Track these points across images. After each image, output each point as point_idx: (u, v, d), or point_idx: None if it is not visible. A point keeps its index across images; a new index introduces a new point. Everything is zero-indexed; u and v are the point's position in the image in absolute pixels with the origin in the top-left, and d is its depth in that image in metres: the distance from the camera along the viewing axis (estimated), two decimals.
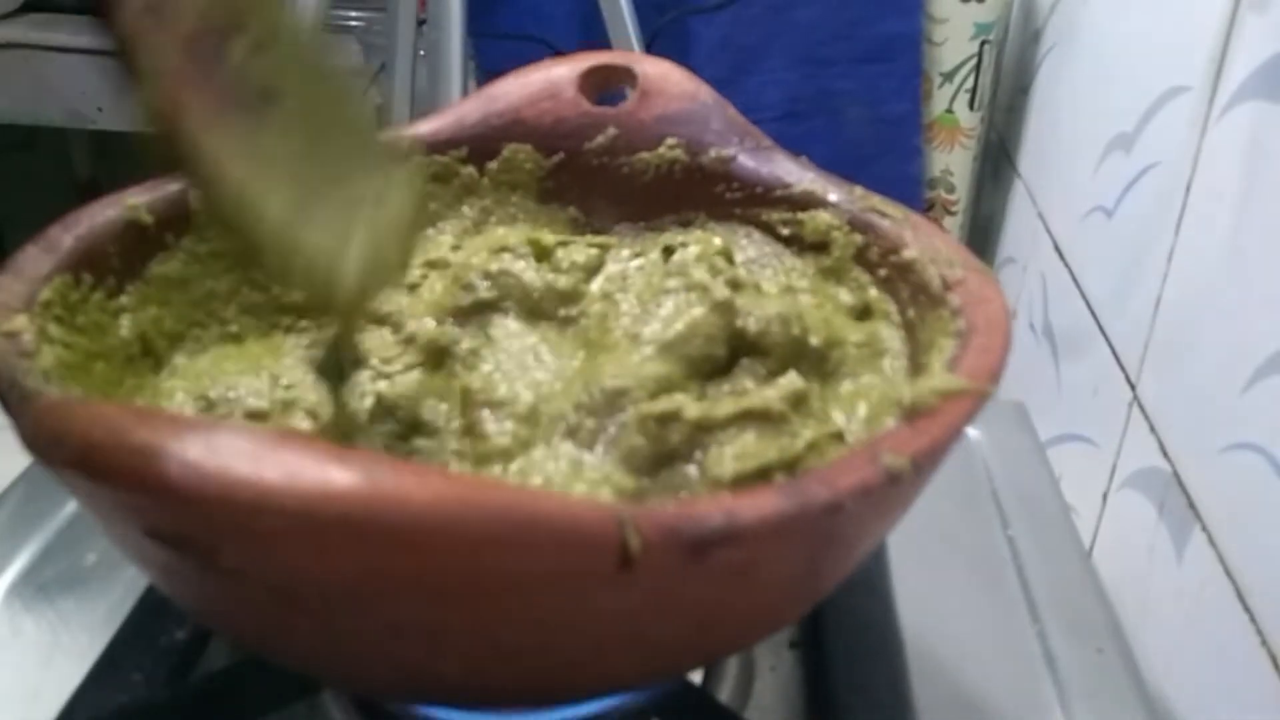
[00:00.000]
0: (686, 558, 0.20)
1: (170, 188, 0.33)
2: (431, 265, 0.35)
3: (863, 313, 0.33)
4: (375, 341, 0.32)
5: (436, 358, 0.31)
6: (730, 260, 0.35)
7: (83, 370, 0.28)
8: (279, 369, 0.31)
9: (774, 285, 0.35)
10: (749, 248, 0.37)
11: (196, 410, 0.29)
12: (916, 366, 0.30)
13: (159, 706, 0.34)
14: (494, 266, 0.33)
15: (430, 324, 0.32)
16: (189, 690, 0.35)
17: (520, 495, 0.19)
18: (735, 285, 0.31)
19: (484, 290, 0.33)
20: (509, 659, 0.22)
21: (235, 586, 0.20)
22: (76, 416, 0.18)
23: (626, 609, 0.21)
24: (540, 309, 0.32)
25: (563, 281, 0.33)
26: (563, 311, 0.32)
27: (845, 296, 0.34)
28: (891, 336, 0.32)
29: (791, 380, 0.28)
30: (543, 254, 0.34)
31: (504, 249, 0.34)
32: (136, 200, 0.32)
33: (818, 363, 0.30)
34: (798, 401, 0.27)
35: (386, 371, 0.31)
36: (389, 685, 0.26)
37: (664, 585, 0.21)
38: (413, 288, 0.34)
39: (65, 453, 0.18)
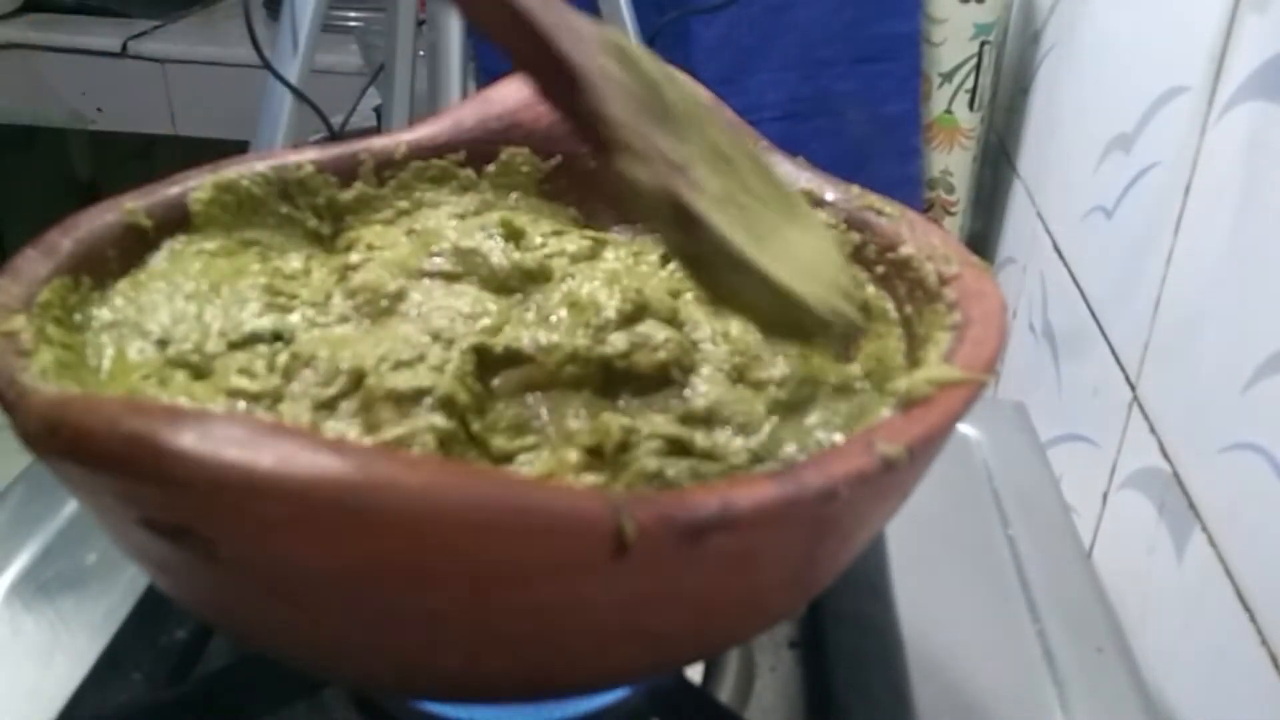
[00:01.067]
0: (682, 545, 0.20)
1: (168, 192, 0.33)
2: (410, 234, 0.36)
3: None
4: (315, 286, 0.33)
5: (376, 310, 0.32)
6: None
7: (82, 370, 0.28)
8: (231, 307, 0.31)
9: None
10: None
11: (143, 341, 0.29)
12: (913, 360, 0.30)
13: (159, 706, 0.34)
14: (465, 243, 0.34)
15: (377, 275, 0.33)
16: (189, 690, 0.35)
17: (514, 483, 0.19)
18: (633, 316, 0.32)
19: (446, 263, 0.34)
20: (505, 649, 0.22)
21: (231, 578, 0.20)
22: (71, 407, 0.18)
23: (622, 597, 0.21)
24: (505, 285, 0.33)
25: (529, 260, 0.34)
26: (531, 288, 0.33)
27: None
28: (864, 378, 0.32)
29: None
30: (515, 235, 0.35)
31: (481, 227, 0.35)
32: (135, 204, 0.32)
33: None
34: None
35: (319, 321, 0.31)
36: (388, 679, 0.26)
37: (660, 573, 0.21)
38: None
39: (60, 443, 0.18)
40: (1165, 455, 0.52)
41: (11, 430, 0.21)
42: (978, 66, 1.01)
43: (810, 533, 0.23)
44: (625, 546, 0.19)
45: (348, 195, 0.37)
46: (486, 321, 0.31)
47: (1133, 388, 0.58)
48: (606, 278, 0.33)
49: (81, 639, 0.38)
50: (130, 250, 0.32)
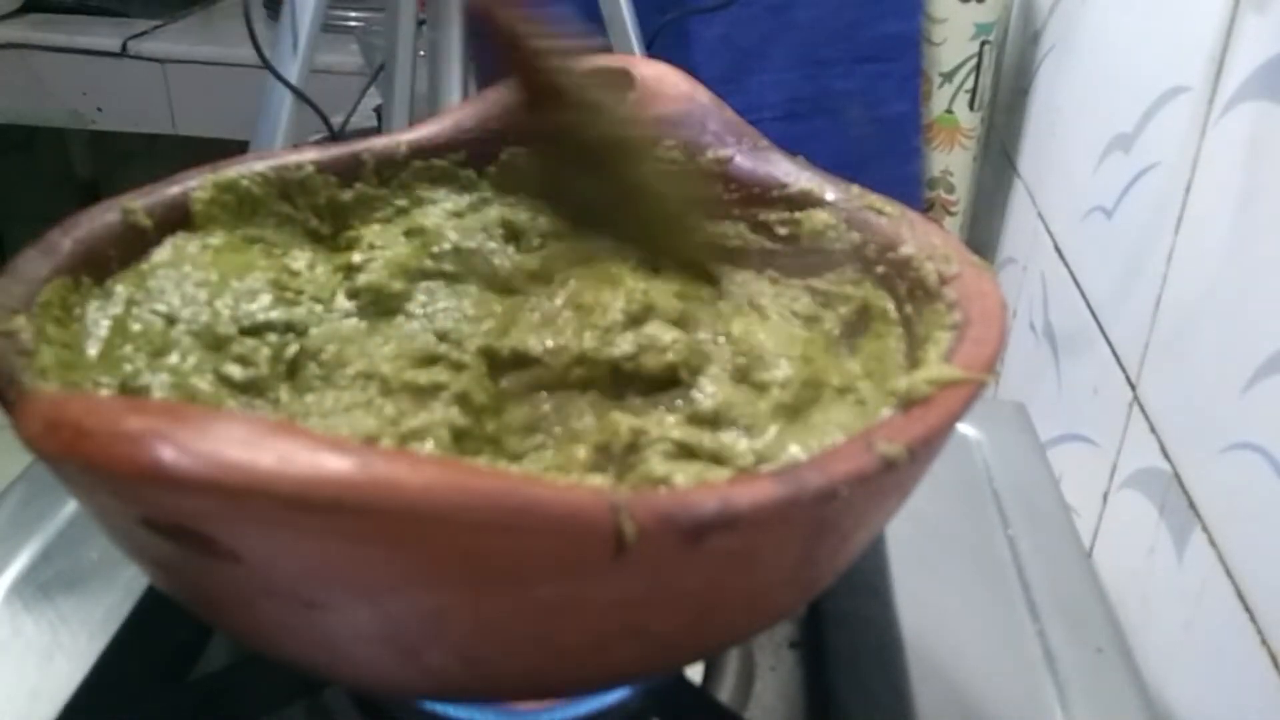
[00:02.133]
0: (682, 544, 0.20)
1: (168, 191, 0.33)
2: (409, 234, 0.36)
3: (856, 321, 0.34)
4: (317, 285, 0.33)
5: (381, 310, 0.32)
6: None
7: (78, 363, 0.28)
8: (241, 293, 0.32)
9: (775, 311, 0.35)
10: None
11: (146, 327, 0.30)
12: (913, 360, 0.30)
13: (159, 706, 0.34)
14: (466, 244, 0.34)
15: (380, 276, 0.33)
16: (189, 690, 0.35)
17: (514, 482, 0.19)
18: (640, 317, 0.32)
19: (448, 264, 0.34)
20: (506, 649, 0.22)
21: (231, 578, 0.20)
22: (70, 407, 0.18)
23: (622, 597, 0.21)
24: (508, 286, 0.34)
25: (531, 261, 0.34)
26: (532, 289, 0.33)
27: (834, 323, 0.34)
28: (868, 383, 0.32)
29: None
30: (514, 234, 0.35)
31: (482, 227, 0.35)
32: (135, 204, 0.32)
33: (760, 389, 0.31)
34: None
35: (326, 317, 0.32)
36: (388, 679, 0.26)
37: (660, 573, 0.21)
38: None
39: (60, 444, 0.18)
40: (1165, 455, 0.52)
41: (11, 430, 0.21)
42: (978, 66, 1.01)
43: (810, 532, 0.23)
44: (625, 546, 0.19)
45: (347, 195, 0.37)
46: (491, 324, 0.32)
47: (1133, 388, 0.58)
48: (610, 279, 0.33)
49: (81, 639, 0.38)
50: (131, 250, 0.32)
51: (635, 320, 0.31)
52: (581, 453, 0.27)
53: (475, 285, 0.34)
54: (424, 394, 0.28)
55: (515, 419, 0.29)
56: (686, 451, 0.27)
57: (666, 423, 0.28)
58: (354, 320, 0.32)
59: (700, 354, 0.31)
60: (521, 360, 0.30)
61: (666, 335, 0.30)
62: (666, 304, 0.32)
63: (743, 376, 0.31)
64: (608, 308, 0.31)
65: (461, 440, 0.27)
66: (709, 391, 0.29)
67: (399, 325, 0.32)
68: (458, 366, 0.29)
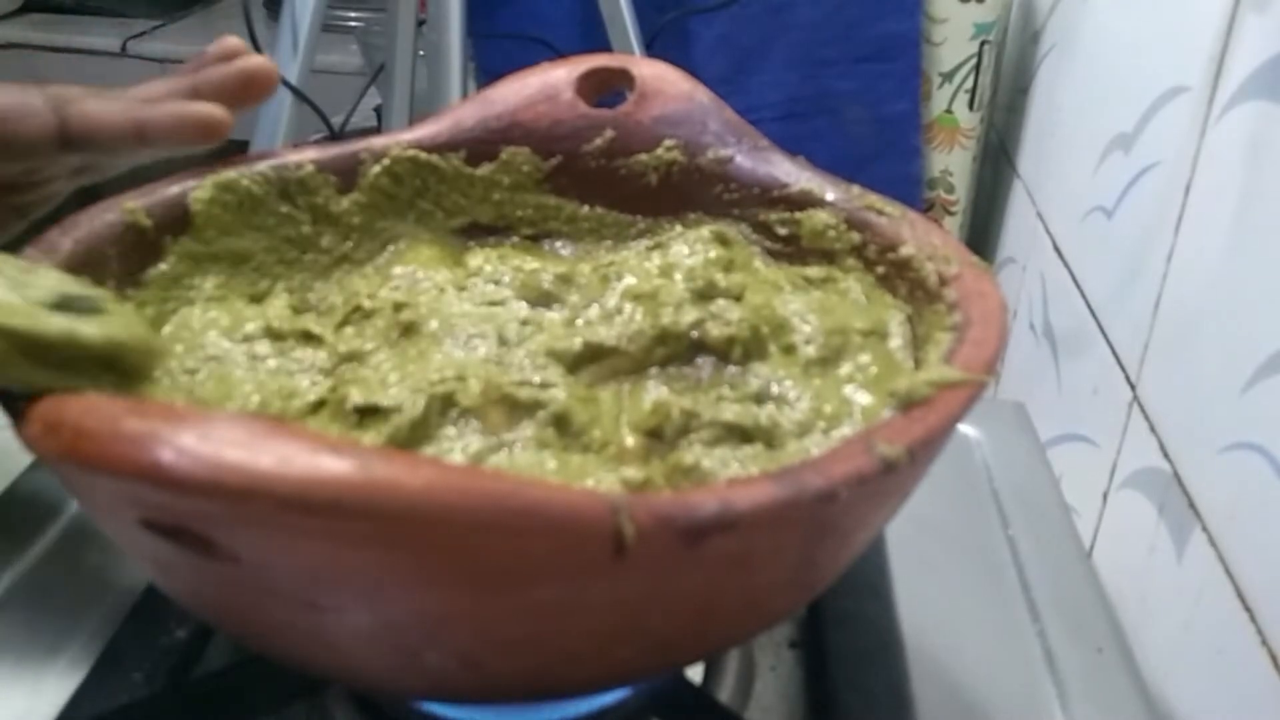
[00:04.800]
0: (681, 546, 0.20)
1: (168, 191, 0.33)
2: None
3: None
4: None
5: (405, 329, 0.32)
6: (725, 242, 0.36)
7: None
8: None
9: (782, 275, 0.35)
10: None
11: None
12: (914, 360, 0.30)
13: (159, 706, 0.34)
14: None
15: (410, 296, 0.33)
16: (189, 690, 0.35)
17: (514, 484, 0.19)
18: (706, 293, 0.32)
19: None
20: (506, 650, 0.22)
21: (231, 578, 0.20)
22: (70, 408, 0.18)
23: (622, 598, 0.21)
24: (545, 294, 0.34)
25: (560, 266, 0.34)
26: (566, 293, 0.34)
27: (856, 291, 0.34)
28: (897, 320, 0.32)
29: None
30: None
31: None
32: (135, 204, 0.32)
33: (788, 351, 0.31)
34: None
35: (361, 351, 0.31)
36: (388, 679, 0.26)
37: (659, 574, 0.21)
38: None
39: (59, 445, 0.18)
40: (1165, 455, 0.52)
41: (12, 430, 0.21)
42: (978, 66, 1.01)
43: (809, 533, 0.23)
44: (624, 547, 0.19)
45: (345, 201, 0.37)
46: (556, 329, 0.31)
47: (1133, 388, 0.58)
48: (660, 270, 0.34)
49: (81, 639, 0.38)
50: (130, 250, 0.32)
51: (702, 296, 0.32)
52: (631, 441, 0.27)
53: (511, 294, 0.33)
54: (520, 409, 0.28)
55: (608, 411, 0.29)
56: (738, 433, 0.27)
57: (721, 406, 0.28)
58: (383, 350, 0.31)
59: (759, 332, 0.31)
60: (596, 353, 0.30)
61: (733, 312, 0.31)
62: (730, 280, 0.33)
63: (769, 343, 0.31)
64: (670, 289, 0.32)
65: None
66: (756, 370, 0.30)
67: (432, 345, 0.31)
68: (547, 385, 0.29)
